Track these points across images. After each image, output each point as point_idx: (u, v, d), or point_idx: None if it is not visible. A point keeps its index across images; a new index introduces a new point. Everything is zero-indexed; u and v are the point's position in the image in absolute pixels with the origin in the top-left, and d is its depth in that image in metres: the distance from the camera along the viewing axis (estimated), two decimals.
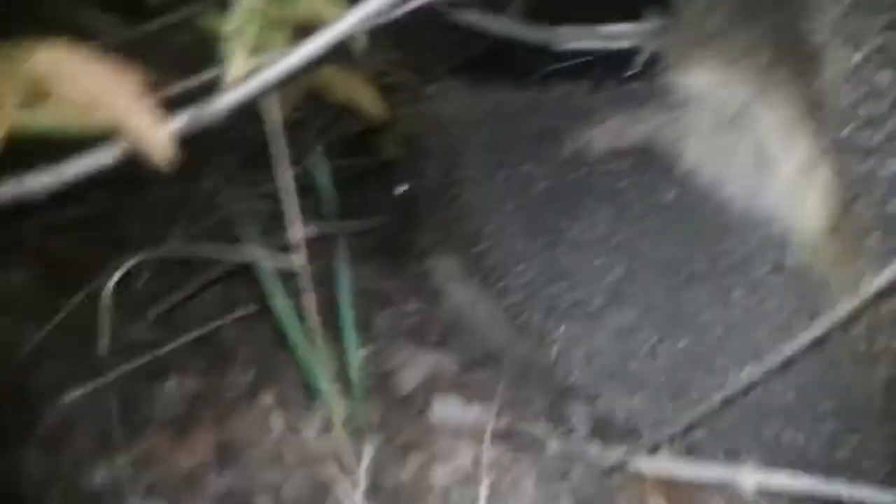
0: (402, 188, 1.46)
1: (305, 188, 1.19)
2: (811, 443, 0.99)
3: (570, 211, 1.13)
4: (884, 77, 0.90)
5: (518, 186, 1.20)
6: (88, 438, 1.18)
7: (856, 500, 0.90)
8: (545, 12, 1.47)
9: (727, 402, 0.92)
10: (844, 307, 0.84)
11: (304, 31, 0.82)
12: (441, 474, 1.05)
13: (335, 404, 1.06)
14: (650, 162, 1.10)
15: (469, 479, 1.02)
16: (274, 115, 0.96)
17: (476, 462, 1.02)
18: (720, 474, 0.96)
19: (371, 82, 1.06)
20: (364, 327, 1.41)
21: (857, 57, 0.91)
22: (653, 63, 1.16)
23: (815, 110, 0.96)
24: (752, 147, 1.02)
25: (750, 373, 0.89)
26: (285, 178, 1.01)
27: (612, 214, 1.10)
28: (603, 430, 1.11)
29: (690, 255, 1.06)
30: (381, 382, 1.27)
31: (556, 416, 1.17)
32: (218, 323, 1.32)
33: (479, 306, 1.28)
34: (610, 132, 1.14)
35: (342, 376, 1.10)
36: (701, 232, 1.06)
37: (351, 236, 1.40)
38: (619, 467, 0.99)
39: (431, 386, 1.25)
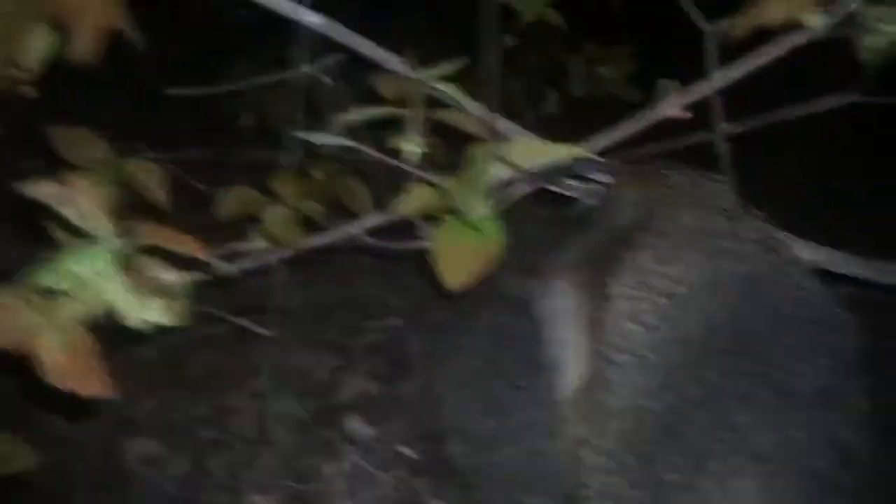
0: None
1: None
2: None
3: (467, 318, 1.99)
4: (630, 326, 1.64)
5: None
6: None
7: None
8: None
9: None
10: None
11: None
12: None
13: None
14: (525, 308, 1.92)
15: None
16: None
17: None
18: None
19: None
20: None
21: (625, 307, 1.65)
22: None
23: (600, 327, 1.71)
24: (566, 328, 1.80)
25: None
26: None
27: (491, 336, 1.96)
28: None
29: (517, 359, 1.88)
30: None
31: None
32: None
33: None
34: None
35: None
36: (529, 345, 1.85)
37: None
38: None
39: None
